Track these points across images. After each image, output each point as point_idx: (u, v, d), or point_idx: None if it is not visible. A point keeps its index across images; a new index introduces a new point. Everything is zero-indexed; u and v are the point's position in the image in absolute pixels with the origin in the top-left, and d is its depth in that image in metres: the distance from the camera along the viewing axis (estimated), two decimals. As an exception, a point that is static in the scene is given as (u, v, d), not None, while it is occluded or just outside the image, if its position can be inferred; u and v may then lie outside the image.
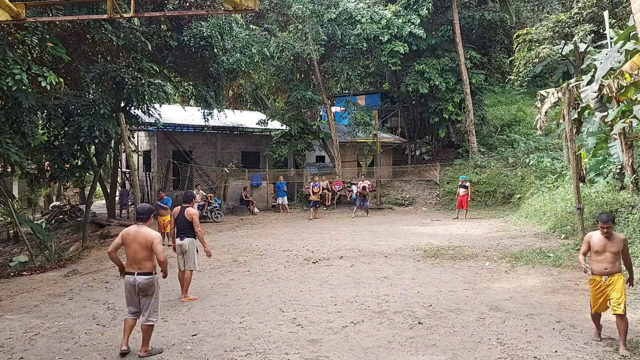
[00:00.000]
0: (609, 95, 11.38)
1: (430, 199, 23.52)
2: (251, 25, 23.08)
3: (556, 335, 6.09)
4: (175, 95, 25.78)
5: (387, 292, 8.19)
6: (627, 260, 5.76)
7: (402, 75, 26.12)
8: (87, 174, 19.13)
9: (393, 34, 22.98)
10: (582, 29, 21.46)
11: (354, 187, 22.52)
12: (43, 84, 10.86)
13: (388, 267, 10.25)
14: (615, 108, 11.96)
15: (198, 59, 17.17)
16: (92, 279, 9.90)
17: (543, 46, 22.69)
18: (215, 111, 20.34)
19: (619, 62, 11.59)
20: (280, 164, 26.42)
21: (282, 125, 24.89)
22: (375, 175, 24.94)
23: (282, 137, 24.57)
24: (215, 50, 16.89)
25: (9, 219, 16.89)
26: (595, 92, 11.57)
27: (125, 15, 8.18)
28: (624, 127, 12.11)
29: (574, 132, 13.11)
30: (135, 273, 5.65)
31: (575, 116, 13.74)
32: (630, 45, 11.52)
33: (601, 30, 20.24)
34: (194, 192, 16.22)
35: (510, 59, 26.40)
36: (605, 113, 11.89)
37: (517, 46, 24.55)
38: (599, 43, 20.19)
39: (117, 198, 21.35)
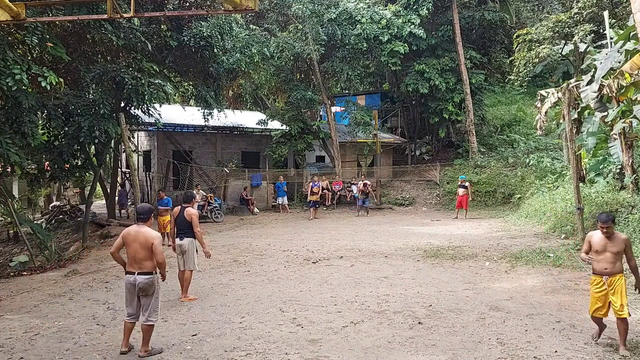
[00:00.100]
0: (609, 95, 11.38)
1: (430, 199, 23.52)
2: (251, 25, 23.08)
3: (556, 335, 6.09)
4: (175, 95, 25.78)
5: (387, 292, 8.19)
6: (631, 262, 5.56)
7: (402, 75, 26.13)
8: (87, 174, 19.13)
9: (393, 34, 22.98)
10: (582, 29, 21.47)
11: (354, 187, 22.53)
12: (43, 84, 10.86)
13: (388, 267, 10.25)
14: (615, 108, 11.96)
15: (198, 59, 17.17)
16: (92, 279, 9.90)
17: (543, 46, 22.70)
18: (215, 111, 20.35)
19: (619, 62, 11.59)
20: (280, 164, 26.43)
21: (282, 125, 24.90)
22: (375, 175, 24.95)
23: (282, 137, 24.57)
24: (215, 50, 16.89)
25: (9, 219, 16.89)
26: (595, 92, 11.57)
27: (125, 15, 8.18)
28: (624, 127, 12.11)
29: (574, 132, 13.11)
30: (136, 272, 5.66)
31: (575, 116, 13.75)
32: (630, 45, 11.52)
33: (601, 30, 20.25)
34: (194, 192, 16.22)
35: (510, 59, 26.41)
36: (605, 113, 11.89)
37: (517, 46, 24.56)
38: (599, 43, 20.20)
39: (116, 198, 21.33)
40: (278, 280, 9.25)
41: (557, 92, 13.88)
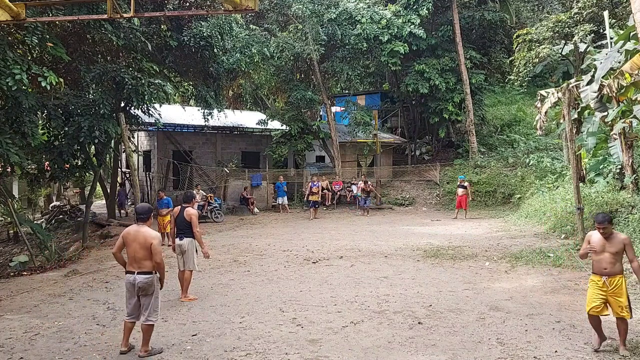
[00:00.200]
0: (609, 95, 11.38)
1: (430, 199, 23.53)
2: (251, 25, 23.08)
3: (556, 335, 6.09)
4: (175, 95, 25.78)
5: (387, 292, 8.19)
6: (633, 262, 5.42)
7: (402, 75, 26.13)
8: (87, 174, 19.13)
9: (393, 34, 22.98)
10: (582, 29, 21.47)
11: (354, 187, 22.53)
12: (43, 84, 10.86)
13: (388, 267, 10.25)
14: (615, 108, 11.96)
15: (198, 59, 17.18)
16: (92, 279, 9.90)
17: (543, 46, 22.70)
18: (215, 111, 20.35)
19: (619, 62, 11.59)
20: (280, 164, 26.43)
21: (282, 125, 24.90)
22: (375, 175, 24.96)
23: (282, 137, 24.57)
24: (215, 50, 16.89)
25: (9, 219, 16.89)
26: (595, 92, 11.57)
27: (125, 15, 8.18)
28: (624, 127, 12.11)
29: (574, 132, 13.11)
30: (135, 272, 5.67)
31: (575, 116, 13.74)
32: (630, 45, 11.52)
33: (601, 30, 20.25)
34: (194, 192, 16.22)
35: (510, 59, 26.41)
36: (605, 113, 11.89)
37: (517, 46, 24.56)
38: (599, 43, 20.21)
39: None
40: (278, 280, 9.25)
41: (557, 92, 13.88)
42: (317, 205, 19.95)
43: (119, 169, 23.10)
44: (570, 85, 12.56)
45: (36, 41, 11.03)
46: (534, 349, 5.64)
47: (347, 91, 31.22)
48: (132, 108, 16.40)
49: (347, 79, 24.32)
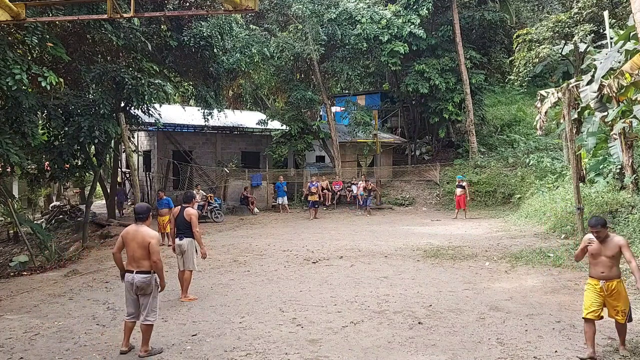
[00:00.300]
0: (609, 95, 11.38)
1: (430, 199, 23.53)
2: (251, 25, 23.09)
3: (556, 335, 6.09)
4: (175, 95, 25.78)
5: (387, 292, 8.19)
6: (631, 263, 5.30)
7: (402, 75, 26.13)
8: (87, 174, 19.13)
9: (393, 34, 22.99)
10: (582, 29, 21.47)
11: (354, 187, 22.54)
12: (43, 84, 10.86)
13: (388, 267, 10.25)
14: (615, 108, 11.96)
15: (198, 59, 17.18)
16: (92, 279, 9.90)
17: (543, 46, 22.71)
18: (215, 111, 20.36)
19: (619, 62, 11.59)
20: (280, 164, 26.43)
21: (282, 125, 24.90)
22: (375, 175, 24.95)
23: (282, 137, 24.58)
24: (215, 50, 16.89)
25: (9, 219, 16.90)
26: (595, 92, 11.57)
27: (125, 15, 8.18)
28: (624, 127, 12.11)
29: (574, 132, 13.12)
30: (134, 271, 5.68)
31: (575, 116, 13.75)
32: (630, 45, 11.52)
33: (601, 30, 20.25)
34: (194, 192, 16.22)
35: (510, 59, 26.42)
36: (605, 113, 11.89)
37: (517, 46, 24.57)
38: (599, 43, 20.21)
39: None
40: (278, 280, 9.25)
41: (557, 92, 13.88)
42: (316, 205, 19.94)
43: (119, 169, 23.10)
44: (570, 85, 12.57)
45: (36, 41, 11.03)
46: (534, 349, 5.64)
47: (347, 91, 31.22)
48: (132, 108, 16.40)
49: (347, 79, 24.33)
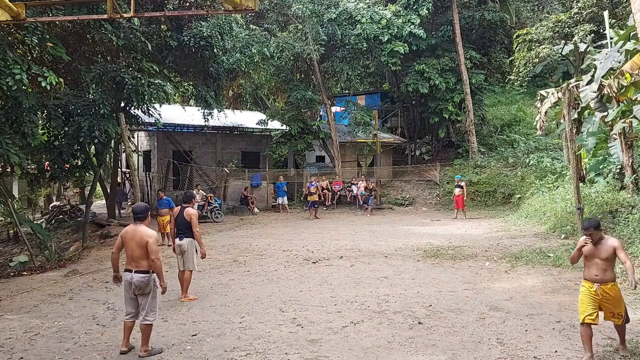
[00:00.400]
0: (609, 95, 11.38)
1: (430, 199, 23.52)
2: (251, 25, 23.09)
3: (556, 335, 6.09)
4: (175, 95, 25.78)
5: (387, 292, 8.19)
6: (626, 263, 5.29)
7: (402, 75, 26.13)
8: (87, 174, 19.13)
9: (393, 34, 22.99)
10: (582, 29, 21.48)
11: (354, 187, 22.54)
12: (43, 84, 10.86)
13: (388, 267, 10.25)
14: (615, 108, 11.96)
15: (198, 59, 17.18)
16: (92, 279, 9.90)
17: (543, 46, 22.71)
18: (215, 111, 20.36)
19: (619, 62, 11.59)
20: (280, 164, 26.43)
21: (282, 125, 24.90)
22: (375, 175, 24.95)
23: (282, 137, 24.57)
24: (215, 50, 16.89)
25: (9, 219, 16.89)
26: (595, 92, 11.57)
27: (125, 15, 8.18)
28: (624, 127, 12.11)
29: (574, 132, 13.11)
30: (133, 271, 5.70)
31: (575, 116, 13.74)
32: (630, 45, 11.51)
33: (601, 30, 20.25)
34: (194, 192, 16.22)
35: (510, 59, 26.42)
36: (605, 113, 11.89)
37: (517, 46, 24.57)
38: (599, 43, 20.21)
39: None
40: (278, 280, 9.25)
41: (557, 92, 13.88)
42: (316, 205, 19.93)
43: (119, 169, 23.10)
44: (570, 85, 12.57)
45: (36, 41, 11.03)
46: (534, 349, 5.64)
47: (347, 91, 31.22)
48: (132, 108, 16.40)
49: (347, 79, 24.33)
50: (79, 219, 20.21)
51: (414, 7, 23.85)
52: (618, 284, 5.50)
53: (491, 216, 18.92)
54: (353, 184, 22.94)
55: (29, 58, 12.42)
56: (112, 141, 16.70)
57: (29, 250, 13.79)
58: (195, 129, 23.94)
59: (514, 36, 25.01)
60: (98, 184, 18.90)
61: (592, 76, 12.07)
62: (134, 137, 22.97)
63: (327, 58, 23.99)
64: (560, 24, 22.77)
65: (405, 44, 23.24)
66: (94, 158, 16.64)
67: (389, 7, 24.23)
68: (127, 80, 13.87)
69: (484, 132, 28.23)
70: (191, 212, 8.12)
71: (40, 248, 14.34)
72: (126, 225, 6.14)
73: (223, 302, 7.81)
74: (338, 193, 23.46)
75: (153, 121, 18.65)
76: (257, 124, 24.43)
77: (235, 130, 25.58)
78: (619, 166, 13.63)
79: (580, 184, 13.06)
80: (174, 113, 23.79)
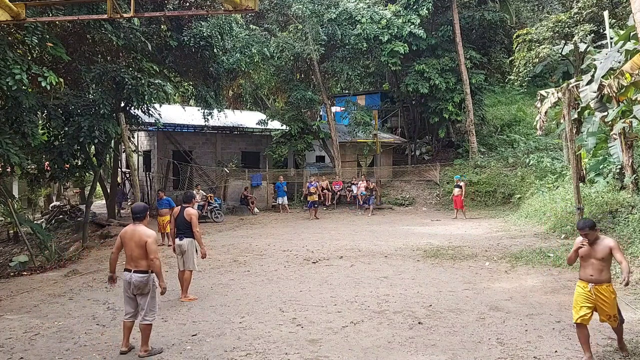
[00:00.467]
0: (609, 95, 11.38)
1: (430, 199, 23.52)
2: (251, 25, 23.09)
3: (556, 335, 6.09)
4: (175, 95, 25.78)
5: (387, 292, 8.19)
6: (622, 263, 5.22)
7: (402, 75, 26.13)
8: (87, 174, 19.13)
9: (393, 34, 22.99)
10: (582, 29, 21.47)
11: (354, 187, 22.54)
12: (43, 84, 10.86)
13: (388, 267, 10.25)
14: (615, 108, 11.96)
15: (198, 59, 17.17)
16: (92, 279, 9.90)
17: (543, 46, 22.71)
18: (215, 111, 20.35)
19: (619, 62, 11.59)
20: (280, 164, 26.43)
21: (282, 125, 24.90)
22: (375, 175, 24.96)
23: (282, 137, 24.57)
24: (215, 50, 16.89)
25: (9, 219, 16.89)
26: (595, 92, 11.57)
27: (125, 15, 8.18)
28: (624, 127, 12.11)
29: (574, 132, 13.10)
30: (132, 271, 5.71)
31: (575, 116, 13.74)
32: (630, 45, 11.51)
33: (601, 30, 20.26)
34: (194, 192, 16.22)
35: (510, 59, 26.42)
36: (605, 113, 11.89)
37: (517, 46, 24.57)
38: (599, 43, 20.21)
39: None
40: (278, 280, 9.25)
41: (557, 92, 13.88)
42: (315, 205, 19.93)
43: (119, 169, 23.10)
44: (570, 85, 12.56)
45: (36, 41, 11.03)
46: (534, 349, 5.64)
47: (347, 91, 31.22)
48: (132, 108, 16.40)
49: (347, 79, 24.33)
50: (79, 219, 20.21)
51: (414, 7, 23.85)
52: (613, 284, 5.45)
53: (491, 216, 18.92)
54: (353, 184, 22.94)
55: (29, 58, 12.42)
56: (112, 141, 16.70)
57: (29, 250, 13.79)
58: (195, 129, 23.94)
59: (514, 36, 25.00)
60: (98, 184, 18.90)
61: (592, 76, 12.07)
62: (134, 137, 22.97)
63: (327, 58, 23.99)
64: (560, 24, 22.77)
65: (405, 44, 23.23)
66: (94, 158, 16.64)
67: (389, 7, 24.23)
68: (127, 80, 13.86)
69: (484, 132, 28.23)
70: (191, 212, 8.12)
71: (40, 248, 14.34)
72: (126, 225, 6.15)
73: (223, 302, 7.81)
74: (338, 193, 23.46)
75: (153, 121, 18.65)
76: (257, 124, 24.43)
77: (235, 130, 25.58)
78: (619, 166, 13.63)
79: (580, 184, 13.05)
80: (174, 113, 23.79)
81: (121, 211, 21.73)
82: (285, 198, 22.13)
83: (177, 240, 8.13)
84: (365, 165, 25.90)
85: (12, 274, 11.53)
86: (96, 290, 8.92)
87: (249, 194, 21.83)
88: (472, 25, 27.01)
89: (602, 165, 14.96)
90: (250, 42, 20.14)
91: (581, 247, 5.35)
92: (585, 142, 14.20)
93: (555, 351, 5.57)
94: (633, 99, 11.31)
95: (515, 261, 10.40)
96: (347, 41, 22.86)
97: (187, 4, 16.00)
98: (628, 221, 10.92)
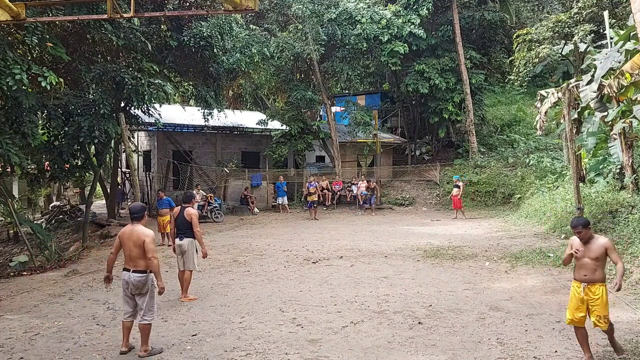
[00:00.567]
0: (609, 95, 11.38)
1: (430, 199, 23.53)
2: (251, 25, 23.09)
3: (556, 335, 6.09)
4: (175, 95, 25.79)
5: (387, 292, 8.19)
6: (617, 264, 5.19)
7: (402, 75, 26.12)
8: (87, 174, 19.13)
9: (393, 34, 22.98)
10: (582, 29, 21.48)
11: (354, 187, 22.54)
12: (43, 84, 10.85)
13: (388, 267, 10.25)
14: (615, 108, 11.96)
15: (198, 59, 17.18)
16: (92, 279, 9.90)
17: (543, 46, 22.71)
18: (215, 111, 20.36)
19: (619, 62, 11.59)
20: (280, 164, 26.43)
21: (282, 125, 24.90)
22: (375, 175, 24.95)
23: (282, 137, 24.57)
24: (215, 50, 16.89)
25: (9, 219, 16.89)
26: (595, 92, 11.57)
27: (125, 15, 8.18)
28: (624, 127, 12.11)
29: (574, 132, 13.11)
30: (131, 270, 5.72)
31: (575, 116, 13.74)
32: (630, 45, 11.52)
33: (601, 30, 20.25)
34: (194, 192, 16.21)
35: (510, 59, 26.42)
36: (605, 113, 11.89)
37: (517, 46, 24.57)
38: (599, 43, 20.21)
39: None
40: (278, 280, 9.25)
41: (557, 92, 13.87)
42: (315, 205, 19.91)
43: (119, 169, 23.10)
44: (570, 85, 12.56)
45: (36, 41, 11.03)
46: (534, 349, 5.64)
47: (347, 91, 31.22)
48: (132, 108, 16.40)
49: (347, 79, 24.33)
50: (79, 219, 20.21)
51: (414, 7, 23.85)
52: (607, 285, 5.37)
53: (491, 216, 18.92)
54: (353, 184, 22.94)
55: (29, 58, 12.42)
56: (112, 141, 16.70)
57: (29, 250, 13.79)
58: (195, 129, 23.94)
59: (514, 36, 25.00)
60: (98, 184, 18.90)
61: (592, 76, 12.07)
62: (134, 137, 22.97)
63: (327, 58, 23.99)
64: (560, 24, 22.77)
65: (405, 44, 23.23)
66: (94, 158, 16.64)
67: (389, 7, 24.23)
68: (127, 80, 13.87)
69: (484, 132, 28.22)
70: (191, 212, 8.12)
71: (40, 248, 14.34)
72: (126, 225, 6.15)
73: (223, 302, 7.81)
74: (338, 193, 23.46)
75: (153, 121, 18.65)
76: (257, 124, 24.43)
77: (235, 130, 25.58)
78: (619, 166, 13.62)
79: (580, 184, 13.06)
80: (174, 113, 23.79)
81: (121, 211, 21.73)
82: (285, 198, 22.13)
83: (177, 240, 8.13)
84: (365, 165, 25.90)
85: (12, 274, 11.53)
86: (96, 290, 8.92)
87: (249, 194, 21.83)
88: (472, 25, 27.01)
89: (602, 165, 14.95)
90: (250, 42, 20.14)
91: (576, 254, 5.29)
92: (585, 142, 14.20)
93: (555, 351, 5.57)
94: (633, 99, 11.31)
95: (515, 261, 10.40)
96: (347, 41, 22.86)
97: (187, 4, 16.00)
98: (628, 221, 10.91)
